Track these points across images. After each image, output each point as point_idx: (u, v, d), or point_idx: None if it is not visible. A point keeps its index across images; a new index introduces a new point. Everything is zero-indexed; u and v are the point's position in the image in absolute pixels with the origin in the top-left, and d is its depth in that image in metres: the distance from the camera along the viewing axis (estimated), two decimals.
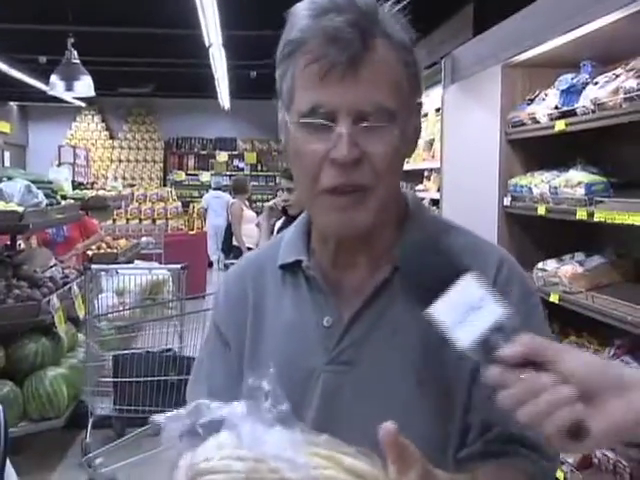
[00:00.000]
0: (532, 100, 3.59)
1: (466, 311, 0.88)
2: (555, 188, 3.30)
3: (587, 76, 3.20)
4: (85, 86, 8.16)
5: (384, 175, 1.06)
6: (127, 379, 4.06)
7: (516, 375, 0.83)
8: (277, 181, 13.35)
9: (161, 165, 17.79)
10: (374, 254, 1.14)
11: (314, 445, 0.84)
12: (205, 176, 17.53)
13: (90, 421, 4.66)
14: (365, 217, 1.07)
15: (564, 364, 0.83)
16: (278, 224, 4.98)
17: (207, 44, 8.49)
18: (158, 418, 0.89)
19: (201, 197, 15.04)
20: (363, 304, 1.12)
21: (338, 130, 1.03)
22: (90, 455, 4.43)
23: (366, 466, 0.83)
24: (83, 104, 16.58)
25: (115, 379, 4.08)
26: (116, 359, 4.10)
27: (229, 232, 8.98)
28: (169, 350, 4.37)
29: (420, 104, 1.15)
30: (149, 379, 4.02)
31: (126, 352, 4.40)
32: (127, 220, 11.24)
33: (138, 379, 4.03)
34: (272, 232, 5.00)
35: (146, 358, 4.05)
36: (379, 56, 1.04)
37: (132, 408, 4.04)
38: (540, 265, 3.47)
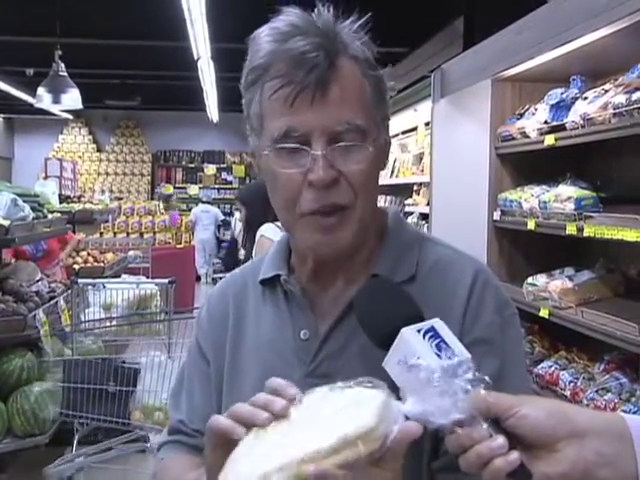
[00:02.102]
0: (522, 114, 3.60)
1: (407, 369, 0.88)
2: (545, 203, 3.30)
3: (577, 91, 3.21)
4: (72, 99, 8.11)
5: (362, 193, 1.08)
6: (71, 385, 4.16)
7: (451, 427, 0.85)
8: None
9: (149, 178, 17.74)
10: (351, 270, 1.16)
11: None
12: (193, 189, 17.49)
13: (75, 438, 4.61)
14: (348, 236, 1.09)
15: (525, 419, 0.84)
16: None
17: (196, 56, 8.50)
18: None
19: (189, 210, 15.00)
20: (338, 317, 1.14)
21: (313, 153, 1.05)
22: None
23: None
24: (70, 117, 16.56)
25: (63, 384, 4.21)
26: (63, 364, 4.22)
27: (235, 246, 8.94)
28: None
29: (387, 118, 1.17)
30: (91, 387, 4.13)
31: (77, 357, 4.45)
32: (114, 234, 11.16)
33: (76, 385, 4.14)
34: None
35: (89, 365, 4.13)
36: (345, 74, 1.06)
37: (70, 413, 4.18)
38: (530, 280, 3.46)
